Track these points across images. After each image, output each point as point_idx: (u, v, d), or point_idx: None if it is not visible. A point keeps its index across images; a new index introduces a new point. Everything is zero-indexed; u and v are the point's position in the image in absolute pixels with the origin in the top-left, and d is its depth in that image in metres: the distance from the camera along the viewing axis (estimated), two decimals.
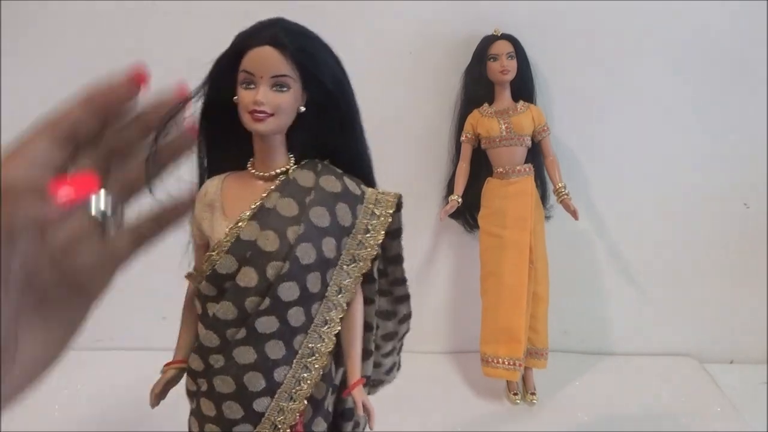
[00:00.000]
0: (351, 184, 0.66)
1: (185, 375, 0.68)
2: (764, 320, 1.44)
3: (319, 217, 0.62)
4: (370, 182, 0.71)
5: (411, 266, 1.45)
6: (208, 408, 0.63)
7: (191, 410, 0.66)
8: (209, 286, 0.63)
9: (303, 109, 0.63)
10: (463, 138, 1.28)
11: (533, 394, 1.29)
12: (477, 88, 1.26)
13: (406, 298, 0.77)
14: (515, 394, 1.29)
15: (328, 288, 0.64)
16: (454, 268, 1.47)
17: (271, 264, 0.60)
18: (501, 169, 1.26)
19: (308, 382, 0.64)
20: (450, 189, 1.32)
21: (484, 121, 1.25)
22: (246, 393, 0.61)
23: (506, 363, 1.22)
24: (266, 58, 0.59)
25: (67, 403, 1.27)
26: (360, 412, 0.67)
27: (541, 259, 1.27)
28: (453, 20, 1.29)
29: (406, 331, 0.81)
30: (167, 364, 0.69)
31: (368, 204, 0.67)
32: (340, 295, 0.65)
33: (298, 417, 0.64)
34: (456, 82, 1.31)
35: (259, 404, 0.62)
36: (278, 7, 1.28)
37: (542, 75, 1.31)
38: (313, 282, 0.62)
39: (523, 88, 1.26)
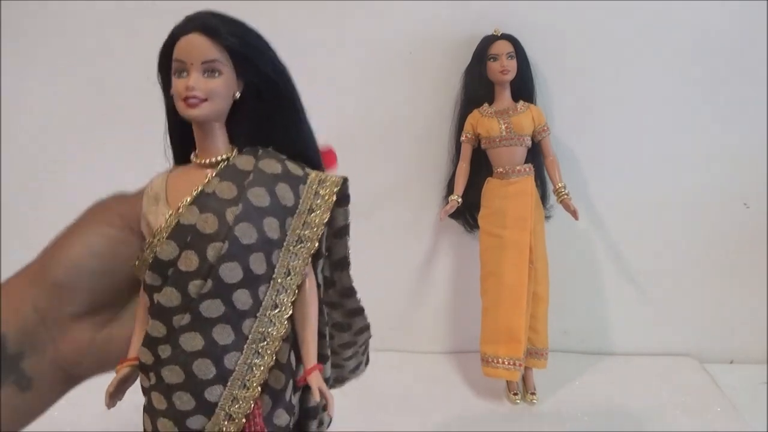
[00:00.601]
0: (292, 166, 0.65)
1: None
2: (764, 320, 1.44)
3: (258, 197, 0.61)
4: (319, 169, 0.69)
5: (411, 266, 1.47)
6: (158, 401, 0.61)
7: (143, 407, 0.64)
8: (153, 275, 0.61)
9: (238, 95, 0.62)
10: (463, 138, 1.28)
11: (533, 394, 1.29)
12: (477, 88, 1.26)
13: (359, 311, 0.75)
14: (515, 394, 1.29)
15: (275, 270, 0.62)
16: (454, 268, 1.47)
17: (211, 245, 0.59)
18: (501, 169, 1.26)
19: (261, 368, 0.62)
20: (450, 189, 1.32)
21: (484, 121, 1.25)
22: (196, 381, 0.60)
23: (506, 363, 1.22)
24: (195, 45, 0.59)
25: (67, 403, 1.26)
26: (317, 398, 0.64)
27: (541, 259, 1.27)
28: (453, 20, 1.29)
29: (368, 338, 0.79)
30: (120, 362, 0.67)
31: (311, 184, 0.65)
32: (288, 278, 0.63)
33: (252, 406, 0.62)
34: (456, 82, 1.31)
35: (211, 393, 0.60)
36: (278, 6, 1.29)
37: (542, 75, 1.31)
38: (257, 263, 0.61)
39: (523, 88, 1.26)
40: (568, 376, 1.38)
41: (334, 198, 0.65)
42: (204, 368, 0.60)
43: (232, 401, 0.61)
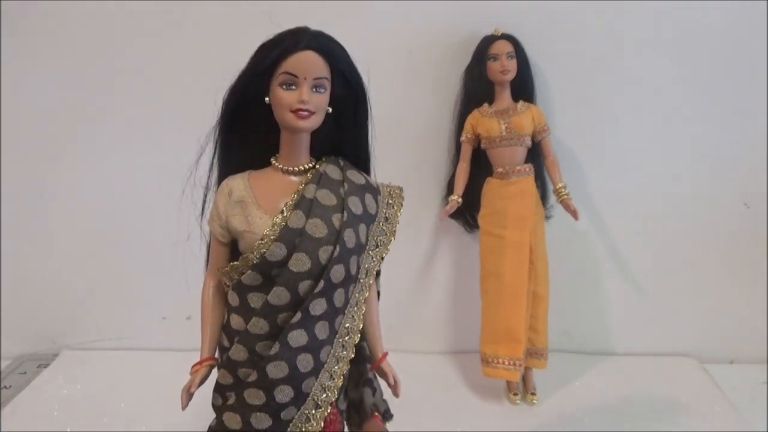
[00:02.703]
0: (368, 177, 0.74)
1: (217, 370, 0.70)
2: (764, 320, 1.44)
3: (355, 205, 0.68)
4: (368, 176, 0.77)
5: (411, 266, 1.47)
6: (255, 397, 0.64)
7: (227, 406, 0.66)
8: (254, 276, 0.65)
9: (330, 110, 0.68)
10: (463, 138, 1.28)
11: (533, 394, 1.29)
12: (477, 88, 1.26)
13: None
14: (515, 394, 1.29)
15: (360, 270, 0.69)
16: (454, 268, 1.47)
17: (322, 248, 0.64)
18: (501, 169, 1.26)
19: (345, 359, 0.68)
20: (450, 189, 1.32)
21: (484, 121, 1.25)
22: (298, 375, 0.64)
23: (506, 363, 1.22)
24: (310, 62, 0.64)
25: (67, 403, 1.27)
26: (391, 381, 0.75)
27: (541, 259, 1.27)
28: (453, 20, 1.29)
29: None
30: (197, 364, 0.71)
31: (384, 195, 0.74)
32: (367, 277, 0.71)
33: (337, 394, 0.68)
34: (456, 82, 1.31)
35: (307, 385, 0.65)
36: (279, 6, 1.29)
37: (542, 75, 1.31)
38: (353, 265, 0.67)
39: (523, 88, 1.26)
40: (568, 376, 1.38)
41: (402, 209, 0.75)
42: (306, 362, 0.65)
43: (321, 391, 0.67)
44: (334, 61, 0.66)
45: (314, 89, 0.65)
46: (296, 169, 0.69)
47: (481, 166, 1.30)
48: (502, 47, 1.21)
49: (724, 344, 1.47)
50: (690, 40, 1.29)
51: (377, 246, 0.72)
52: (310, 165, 0.70)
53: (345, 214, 0.66)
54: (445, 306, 1.50)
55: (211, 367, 0.71)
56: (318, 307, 0.64)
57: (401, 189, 0.76)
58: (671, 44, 1.30)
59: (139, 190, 1.37)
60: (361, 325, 0.70)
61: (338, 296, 0.66)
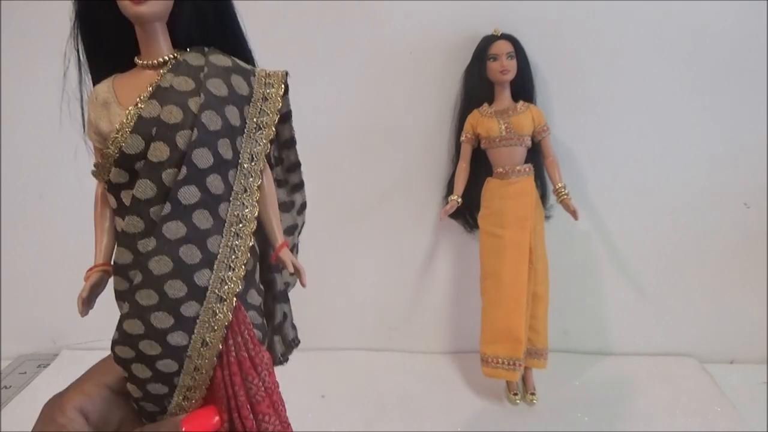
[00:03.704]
0: (239, 61, 0.69)
1: (113, 277, 0.67)
2: (764, 320, 1.44)
3: (217, 87, 0.64)
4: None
5: (411, 266, 1.47)
6: (147, 297, 0.61)
7: (123, 315, 0.63)
8: (119, 172, 0.63)
9: None
10: (463, 138, 1.28)
11: (533, 394, 1.29)
12: (477, 88, 1.26)
13: (301, 185, 0.80)
14: (515, 394, 1.29)
15: (240, 155, 0.66)
16: (454, 268, 1.47)
17: (179, 134, 0.61)
18: (501, 169, 1.26)
19: (242, 249, 0.65)
20: (450, 189, 1.32)
21: (484, 121, 1.25)
22: (184, 267, 0.61)
23: (506, 363, 1.22)
24: None
25: None
26: (290, 269, 0.69)
27: (541, 259, 1.27)
28: (453, 20, 1.29)
29: (303, 223, 0.84)
30: (89, 270, 0.68)
31: (260, 76, 0.69)
32: (253, 163, 0.67)
33: (240, 285, 0.64)
34: (456, 82, 1.31)
35: (200, 277, 0.62)
36: (279, 6, 1.29)
37: (542, 75, 1.31)
38: (225, 148, 0.63)
39: (523, 88, 1.26)
40: (568, 376, 1.38)
41: (284, 88, 0.70)
42: (190, 254, 0.61)
43: (221, 283, 0.63)
44: None
45: None
46: (155, 62, 0.66)
47: (481, 166, 1.30)
48: (502, 47, 1.21)
49: (724, 344, 1.47)
50: (690, 40, 1.29)
51: (259, 128, 0.68)
52: (171, 57, 0.66)
53: (202, 96, 0.63)
54: (445, 306, 1.50)
55: (105, 273, 0.68)
56: (188, 195, 0.61)
57: (285, 72, 0.71)
58: (671, 44, 1.29)
59: None
60: (256, 212, 0.66)
61: (213, 182, 0.62)
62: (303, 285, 0.73)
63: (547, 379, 1.32)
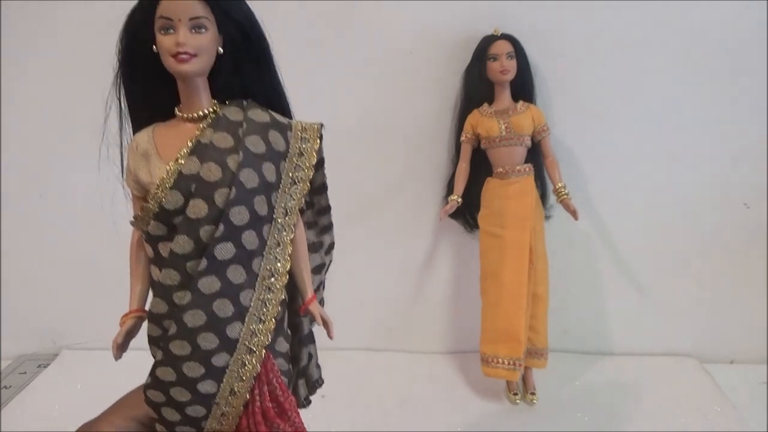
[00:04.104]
0: (277, 115, 0.71)
1: (147, 323, 0.69)
2: (764, 320, 1.44)
3: (255, 144, 0.66)
4: (289, 117, 0.75)
5: (411, 266, 1.47)
6: (180, 348, 0.63)
7: (156, 362, 0.66)
8: (158, 225, 0.65)
9: (221, 50, 0.66)
10: (463, 138, 1.28)
11: (533, 394, 1.29)
12: (477, 88, 1.26)
13: (330, 227, 0.82)
14: (515, 394, 1.29)
15: (275, 210, 0.68)
16: (454, 268, 1.47)
17: (218, 192, 0.63)
18: (501, 169, 1.26)
19: (273, 302, 0.67)
20: (450, 189, 1.32)
21: (484, 121, 1.25)
22: (217, 321, 0.63)
23: (506, 363, 1.22)
24: (181, 3, 0.63)
25: (67, 403, 1.27)
26: (319, 322, 0.73)
27: (541, 259, 1.27)
28: (453, 20, 1.29)
29: (330, 262, 0.85)
30: (125, 315, 0.70)
31: (296, 131, 0.71)
32: (287, 217, 0.69)
33: (270, 337, 0.67)
34: (456, 82, 1.31)
35: (232, 330, 0.64)
36: (280, 7, 1.29)
37: (542, 75, 1.31)
38: (260, 205, 0.65)
39: (523, 88, 1.26)
40: (568, 376, 1.38)
41: (319, 142, 0.72)
42: (224, 308, 0.64)
43: (251, 335, 0.66)
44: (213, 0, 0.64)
45: (193, 30, 0.63)
46: (195, 115, 0.68)
47: (481, 166, 1.30)
48: (502, 47, 1.21)
49: (724, 344, 1.47)
50: (690, 40, 1.29)
51: (294, 183, 0.70)
52: (211, 110, 0.68)
53: (241, 154, 0.64)
54: (445, 306, 1.50)
55: (139, 319, 0.70)
56: (224, 251, 0.63)
57: (319, 124, 0.73)
58: (671, 44, 1.29)
59: None
60: (288, 266, 0.69)
61: (248, 238, 0.65)
62: (330, 338, 0.75)
63: (547, 379, 1.32)
